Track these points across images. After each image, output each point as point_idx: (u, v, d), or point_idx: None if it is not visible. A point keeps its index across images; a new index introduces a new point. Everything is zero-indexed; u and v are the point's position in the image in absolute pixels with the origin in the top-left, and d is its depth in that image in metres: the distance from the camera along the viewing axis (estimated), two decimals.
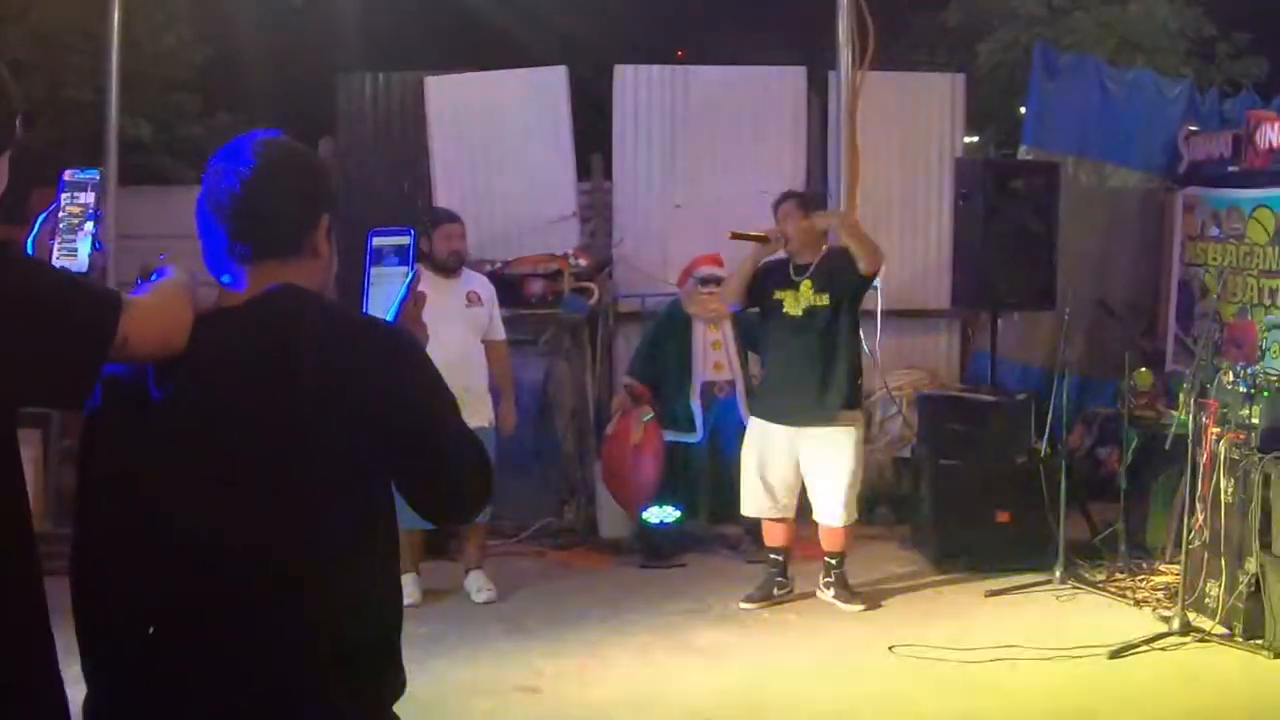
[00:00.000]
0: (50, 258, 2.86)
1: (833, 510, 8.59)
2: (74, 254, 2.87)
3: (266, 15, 13.70)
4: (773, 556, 8.89)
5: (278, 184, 2.83)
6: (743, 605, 8.77)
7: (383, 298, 2.96)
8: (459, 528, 8.88)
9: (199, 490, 2.66)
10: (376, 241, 3.03)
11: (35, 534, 2.71)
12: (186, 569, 2.66)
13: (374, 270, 3.00)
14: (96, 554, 2.78)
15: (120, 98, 10.63)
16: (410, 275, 2.98)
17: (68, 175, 2.94)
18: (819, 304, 8.51)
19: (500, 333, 9.12)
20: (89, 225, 2.89)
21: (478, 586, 8.90)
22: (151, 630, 2.68)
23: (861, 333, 8.99)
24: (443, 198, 11.05)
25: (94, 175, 2.94)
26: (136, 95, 11.77)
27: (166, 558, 2.66)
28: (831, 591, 8.76)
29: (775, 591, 8.84)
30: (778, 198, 8.90)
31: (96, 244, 2.88)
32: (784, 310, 8.62)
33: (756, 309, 8.90)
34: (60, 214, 2.91)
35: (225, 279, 2.83)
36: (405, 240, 3.03)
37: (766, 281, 8.73)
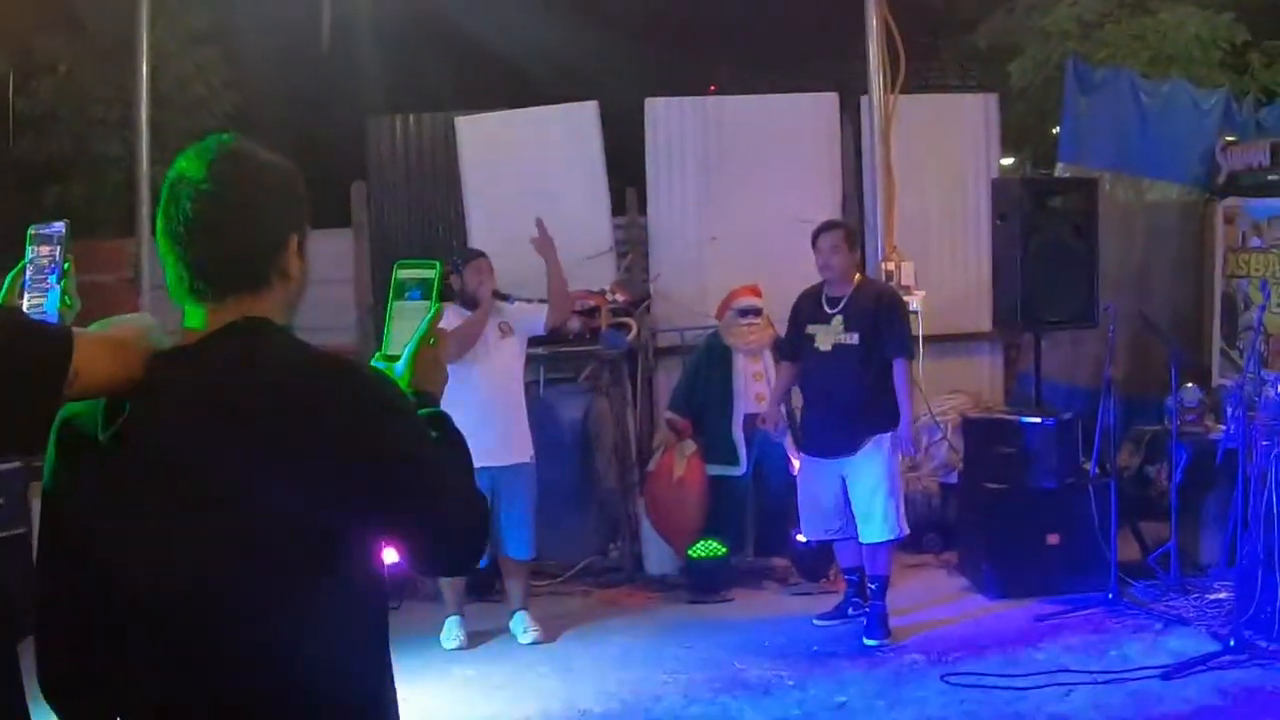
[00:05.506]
0: None
1: (869, 526, 8.50)
2: (41, 310, 2.79)
3: (293, 61, 13.74)
4: (847, 578, 8.86)
5: (239, 212, 2.59)
6: (816, 622, 8.84)
7: (404, 334, 2.78)
8: (505, 567, 8.88)
9: (151, 542, 2.48)
10: (401, 274, 2.85)
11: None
12: (142, 623, 2.51)
13: (396, 305, 2.81)
14: (57, 604, 2.63)
15: (150, 148, 10.62)
16: (431, 312, 2.80)
17: (32, 230, 2.86)
18: (848, 342, 8.49)
19: (539, 312, 8.89)
20: (53, 279, 2.81)
21: (523, 627, 8.83)
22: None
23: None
24: (477, 238, 11.00)
25: (59, 229, 2.85)
26: (166, 144, 11.80)
27: (122, 609, 2.52)
28: (865, 621, 8.65)
29: (850, 612, 8.83)
30: (820, 226, 8.79)
31: (64, 298, 2.80)
32: (815, 345, 8.59)
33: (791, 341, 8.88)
34: (28, 268, 2.84)
35: (189, 318, 2.61)
36: (431, 273, 2.84)
37: (799, 317, 8.72)
